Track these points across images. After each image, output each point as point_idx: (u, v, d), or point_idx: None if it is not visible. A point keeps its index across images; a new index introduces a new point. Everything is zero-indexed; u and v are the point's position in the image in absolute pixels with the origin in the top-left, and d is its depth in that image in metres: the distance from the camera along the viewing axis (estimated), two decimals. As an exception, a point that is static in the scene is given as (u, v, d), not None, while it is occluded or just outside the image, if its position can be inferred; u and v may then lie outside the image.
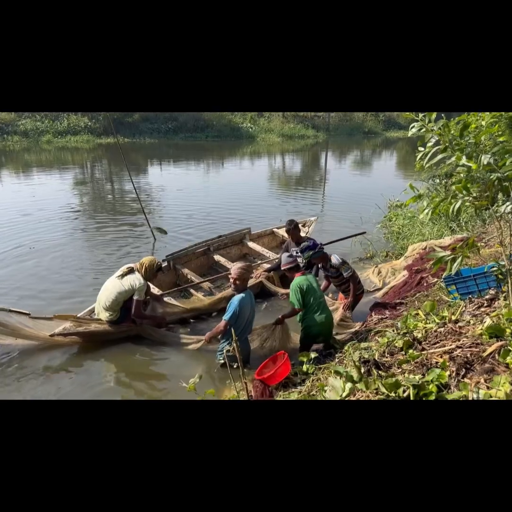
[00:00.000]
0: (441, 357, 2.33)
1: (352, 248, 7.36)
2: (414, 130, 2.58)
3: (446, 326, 2.74)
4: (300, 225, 6.00)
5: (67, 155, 20.06)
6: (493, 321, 2.45)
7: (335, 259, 4.73)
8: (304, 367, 3.29)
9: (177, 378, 3.21)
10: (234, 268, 4.02)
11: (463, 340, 2.44)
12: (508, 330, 2.30)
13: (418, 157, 2.65)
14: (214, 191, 12.99)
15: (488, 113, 2.86)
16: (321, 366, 3.30)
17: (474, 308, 2.94)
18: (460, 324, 2.72)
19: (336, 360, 3.36)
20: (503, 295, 2.91)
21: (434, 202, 2.62)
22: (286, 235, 6.08)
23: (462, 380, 2.06)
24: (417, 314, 3.30)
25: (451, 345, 2.43)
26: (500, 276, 2.96)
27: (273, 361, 3.53)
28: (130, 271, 4.58)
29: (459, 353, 2.29)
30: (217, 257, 6.41)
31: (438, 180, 8.77)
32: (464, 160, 2.41)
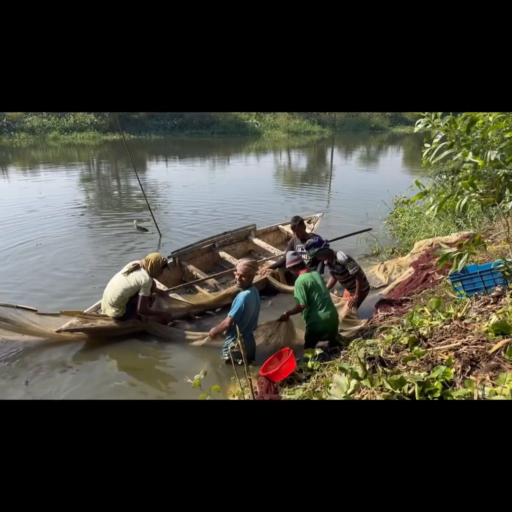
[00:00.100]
0: (446, 354, 2.32)
1: (358, 244, 7.34)
2: (420, 126, 2.57)
3: (452, 323, 2.73)
4: (305, 222, 5.98)
5: (73, 151, 20.13)
6: (499, 318, 2.44)
7: (340, 256, 4.71)
8: (309, 364, 3.30)
9: (183, 374, 3.23)
10: (240, 264, 4.03)
11: (469, 337, 2.43)
12: (514, 328, 2.29)
13: (425, 153, 2.64)
14: (220, 187, 13.00)
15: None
16: (326, 362, 3.31)
17: (480, 305, 2.92)
18: (466, 321, 2.71)
19: (341, 356, 3.36)
20: (510, 292, 2.90)
21: (440, 199, 2.61)
22: (291, 231, 6.07)
23: (467, 377, 2.05)
24: (423, 311, 3.29)
25: (456, 342, 2.43)
26: (506, 273, 2.94)
27: (278, 357, 3.54)
28: (136, 267, 4.60)
29: (465, 350, 2.29)
30: (222, 254, 6.42)
31: (444, 176, 8.69)
32: (470, 157, 2.39)
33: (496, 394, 1.84)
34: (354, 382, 2.31)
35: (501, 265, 2.93)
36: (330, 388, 2.48)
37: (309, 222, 7.17)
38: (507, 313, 2.50)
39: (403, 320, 3.27)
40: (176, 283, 5.76)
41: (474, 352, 2.23)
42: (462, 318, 2.77)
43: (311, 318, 4.03)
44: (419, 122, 2.56)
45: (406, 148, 26.03)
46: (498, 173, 2.42)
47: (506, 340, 2.18)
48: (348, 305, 4.73)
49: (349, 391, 2.29)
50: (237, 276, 4.01)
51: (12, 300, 4.47)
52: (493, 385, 1.92)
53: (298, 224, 5.59)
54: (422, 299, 4.33)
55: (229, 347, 3.79)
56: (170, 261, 5.83)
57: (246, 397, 2.90)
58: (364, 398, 2.19)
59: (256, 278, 5.09)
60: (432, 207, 2.66)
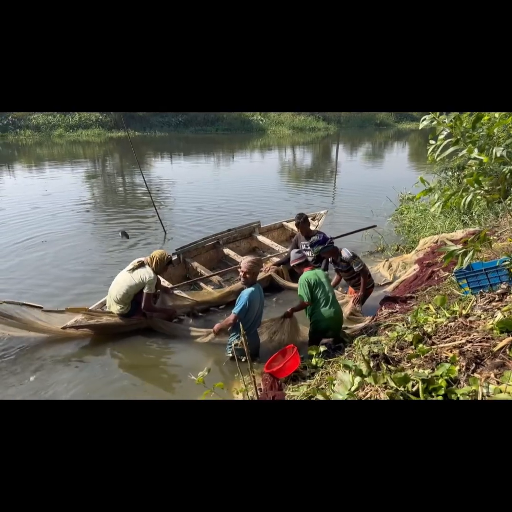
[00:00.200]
0: (451, 351, 2.32)
1: (363, 241, 7.32)
2: (425, 123, 2.55)
3: (456, 320, 2.72)
4: (310, 219, 5.97)
5: (78, 148, 20.20)
6: (504, 316, 2.42)
7: (345, 253, 4.70)
8: (313, 361, 3.30)
9: (187, 371, 3.24)
10: (244, 261, 4.03)
11: (474, 335, 2.42)
12: (519, 325, 2.28)
13: (430, 150, 2.62)
14: (224, 184, 13.01)
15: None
16: (330, 359, 3.31)
17: (485, 302, 2.91)
18: (470, 318, 2.70)
19: (345, 354, 3.36)
20: (515, 289, 2.88)
21: (446, 196, 2.59)
22: (295, 228, 6.06)
23: (472, 375, 2.05)
24: (428, 308, 3.28)
25: (461, 339, 2.42)
26: (512, 270, 2.93)
27: (282, 354, 3.54)
28: (141, 264, 4.62)
29: (469, 347, 2.28)
30: (226, 251, 6.43)
31: (450, 173, 8.64)
32: (475, 153, 2.37)
33: (501, 391, 1.83)
34: (358, 379, 2.31)
35: (507, 262, 2.92)
36: (334, 385, 2.48)
37: (313, 219, 7.15)
38: (512, 311, 2.49)
39: (407, 318, 3.26)
40: (180, 280, 5.78)
41: (478, 350, 2.22)
42: (467, 316, 2.76)
43: (315, 316, 4.03)
44: (424, 119, 2.54)
45: (411, 144, 25.88)
46: (504, 169, 2.40)
47: (511, 338, 2.18)
48: (353, 302, 4.73)
49: (353, 388, 2.30)
50: (241, 273, 4.02)
51: (17, 295, 4.50)
52: (498, 383, 1.92)
53: (302, 221, 5.58)
54: (427, 296, 4.32)
55: (233, 344, 3.80)
56: (174, 258, 5.84)
57: (250, 394, 2.91)
58: (368, 395, 2.19)
59: (260, 275, 5.09)
60: (437, 204, 2.64)
